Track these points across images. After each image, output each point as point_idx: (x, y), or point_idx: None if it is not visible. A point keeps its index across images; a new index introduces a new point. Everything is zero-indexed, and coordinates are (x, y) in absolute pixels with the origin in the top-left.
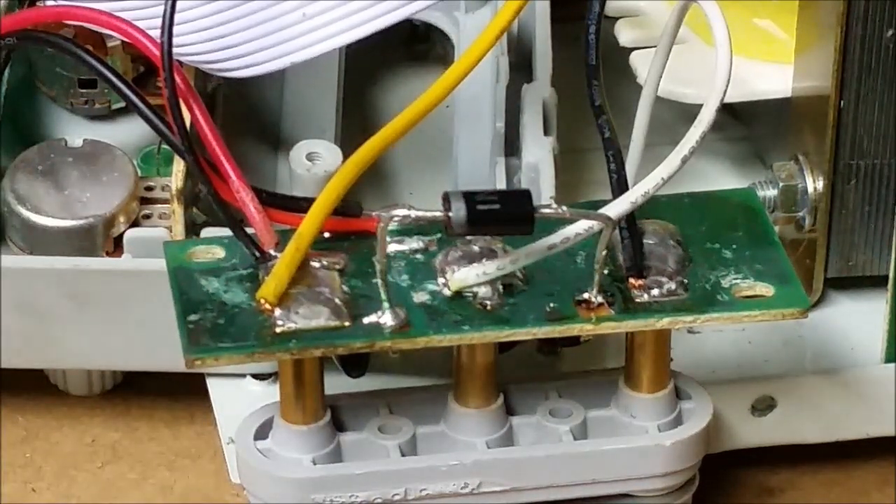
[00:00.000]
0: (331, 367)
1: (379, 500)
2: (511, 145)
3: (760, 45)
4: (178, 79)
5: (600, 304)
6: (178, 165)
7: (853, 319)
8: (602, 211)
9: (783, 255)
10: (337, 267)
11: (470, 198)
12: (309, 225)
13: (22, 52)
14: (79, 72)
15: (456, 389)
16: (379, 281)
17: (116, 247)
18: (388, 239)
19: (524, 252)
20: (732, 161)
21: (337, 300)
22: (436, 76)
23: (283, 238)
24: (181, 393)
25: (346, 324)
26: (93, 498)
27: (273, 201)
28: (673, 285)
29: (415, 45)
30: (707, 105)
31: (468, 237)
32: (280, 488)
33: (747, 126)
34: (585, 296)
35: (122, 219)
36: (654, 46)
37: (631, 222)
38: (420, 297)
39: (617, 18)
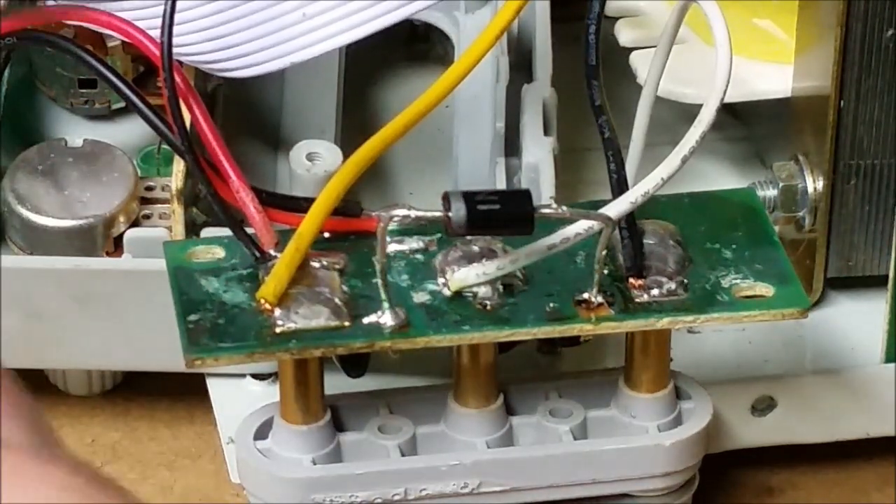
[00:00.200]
0: (331, 367)
1: (379, 500)
2: (511, 145)
3: (760, 45)
4: (178, 79)
5: (600, 304)
6: (178, 165)
7: (853, 319)
8: (602, 211)
9: (783, 255)
10: (337, 267)
11: (470, 198)
12: (309, 225)
13: (22, 52)
14: (79, 72)
15: (456, 389)
16: (379, 281)
17: (116, 247)
18: (388, 239)
19: (524, 252)
20: (732, 161)
21: (337, 300)
22: (436, 76)
23: (283, 238)
24: (181, 393)
25: (346, 324)
26: None
27: (273, 201)
28: (673, 285)
29: (415, 45)
30: (707, 105)
31: (468, 237)
32: (280, 488)
33: (747, 126)
34: (585, 296)
35: (122, 219)
36: (654, 46)
37: (631, 222)
38: (420, 297)
39: (617, 18)
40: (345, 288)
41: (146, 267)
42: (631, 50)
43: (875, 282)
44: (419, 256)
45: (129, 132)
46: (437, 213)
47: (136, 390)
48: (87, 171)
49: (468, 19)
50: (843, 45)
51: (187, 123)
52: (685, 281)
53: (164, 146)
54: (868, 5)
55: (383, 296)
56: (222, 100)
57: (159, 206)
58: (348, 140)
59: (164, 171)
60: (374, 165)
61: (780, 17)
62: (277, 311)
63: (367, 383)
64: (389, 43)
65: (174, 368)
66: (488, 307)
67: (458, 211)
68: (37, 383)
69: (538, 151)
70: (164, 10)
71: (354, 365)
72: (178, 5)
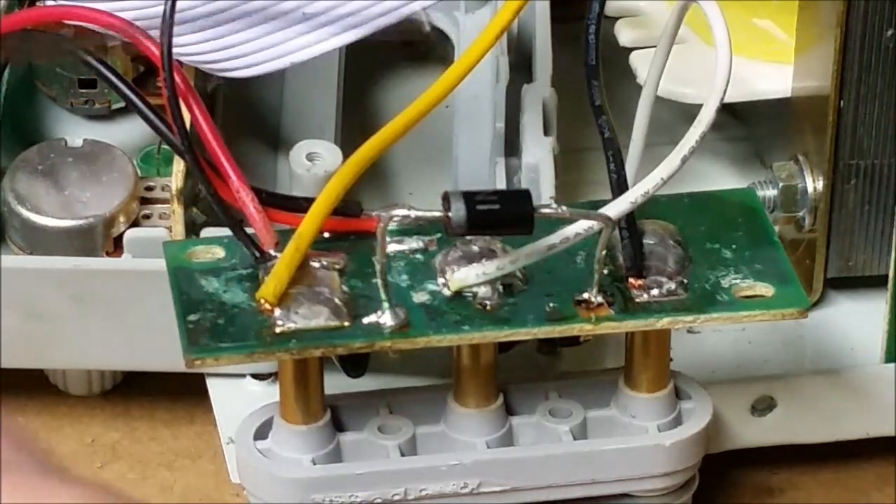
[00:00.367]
0: (331, 367)
1: (379, 500)
2: (511, 145)
3: (760, 45)
4: (178, 79)
5: (600, 304)
6: (178, 165)
7: (853, 319)
8: (602, 211)
9: (783, 255)
10: (337, 267)
11: (470, 198)
12: (309, 225)
13: None
14: (79, 72)
15: (456, 389)
16: (379, 281)
17: (116, 247)
18: (387, 239)
19: (524, 252)
20: (732, 161)
21: (337, 300)
22: (436, 76)
23: (282, 238)
24: (181, 393)
25: (346, 324)
26: None
27: (273, 201)
28: (673, 285)
29: (415, 45)
30: (707, 105)
31: (468, 237)
32: (280, 488)
33: (747, 126)
34: (585, 296)
35: (122, 219)
36: (654, 46)
37: (631, 222)
38: (420, 297)
39: (617, 18)
40: (345, 288)
41: (146, 267)
42: (631, 50)
43: (875, 282)
44: (419, 256)
45: (129, 132)
46: (437, 213)
47: (136, 390)
48: (87, 171)
49: (468, 19)
50: (843, 45)
51: (187, 123)
52: (685, 281)
53: (164, 146)
54: (868, 5)
55: (383, 296)
56: (222, 100)
57: (159, 206)
58: (348, 140)
59: (164, 171)
60: (374, 165)
61: (780, 17)
62: (277, 311)
63: (367, 383)
64: (389, 43)
65: (174, 368)
66: (488, 307)
67: (458, 211)
68: (37, 383)
69: (538, 151)
70: (164, 10)
71: (354, 365)
72: (178, 5)
